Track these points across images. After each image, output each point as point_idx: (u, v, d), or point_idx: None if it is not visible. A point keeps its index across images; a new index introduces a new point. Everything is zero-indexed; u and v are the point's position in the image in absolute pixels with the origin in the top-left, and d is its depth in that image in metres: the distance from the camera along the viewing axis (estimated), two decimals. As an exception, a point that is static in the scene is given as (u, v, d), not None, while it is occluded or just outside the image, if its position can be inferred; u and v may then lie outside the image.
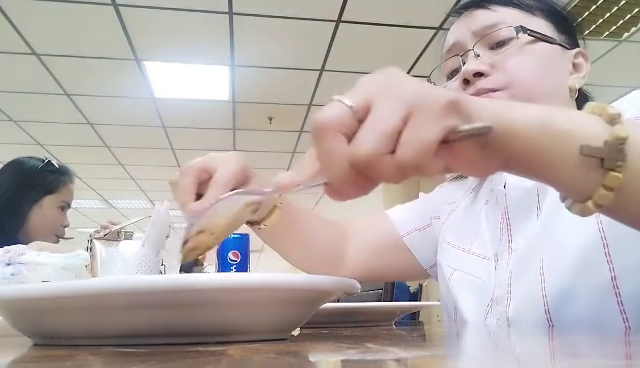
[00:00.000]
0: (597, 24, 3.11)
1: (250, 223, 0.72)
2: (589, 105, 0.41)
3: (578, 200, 0.40)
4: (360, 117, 0.35)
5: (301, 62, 3.63)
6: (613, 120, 0.39)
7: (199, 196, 0.59)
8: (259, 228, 0.73)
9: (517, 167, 0.39)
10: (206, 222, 0.44)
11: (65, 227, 1.76)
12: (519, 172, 0.40)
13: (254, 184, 0.64)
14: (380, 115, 0.34)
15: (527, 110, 0.39)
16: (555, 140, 0.38)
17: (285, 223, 0.76)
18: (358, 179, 0.35)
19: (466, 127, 0.35)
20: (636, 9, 3.01)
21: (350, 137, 0.35)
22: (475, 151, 0.36)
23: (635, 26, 3.17)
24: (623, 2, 2.94)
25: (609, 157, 0.37)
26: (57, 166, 1.76)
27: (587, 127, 0.39)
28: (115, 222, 1.27)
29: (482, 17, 0.74)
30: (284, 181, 0.39)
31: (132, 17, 3.05)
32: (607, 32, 3.22)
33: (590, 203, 0.39)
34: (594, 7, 2.96)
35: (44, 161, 1.74)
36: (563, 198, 0.42)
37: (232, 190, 0.58)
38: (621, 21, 3.12)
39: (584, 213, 0.40)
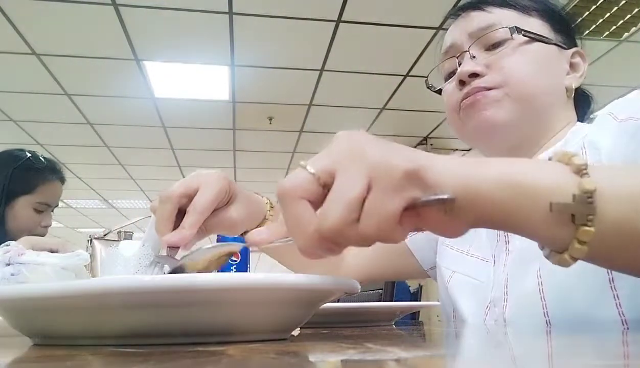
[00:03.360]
0: (597, 24, 3.11)
1: (242, 233, 0.72)
2: (555, 154, 0.40)
3: (555, 250, 0.39)
4: (324, 183, 0.36)
5: (301, 62, 3.64)
6: (580, 171, 0.37)
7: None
8: None
9: (489, 224, 0.39)
10: (188, 261, 0.49)
11: (45, 226, 1.59)
12: (491, 228, 0.40)
13: (240, 201, 0.65)
14: (343, 185, 0.35)
15: (494, 168, 0.38)
16: (524, 197, 0.37)
17: None
18: (326, 244, 0.37)
19: (425, 199, 0.35)
20: (636, 9, 3.01)
21: (315, 203, 0.37)
22: (440, 216, 0.36)
23: (635, 26, 3.17)
24: (623, 2, 2.94)
25: (579, 212, 0.36)
26: (42, 162, 1.59)
27: (555, 181, 0.38)
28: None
29: (477, 18, 0.74)
30: (255, 238, 0.42)
31: (132, 17, 3.05)
32: (607, 32, 3.22)
33: (566, 256, 0.38)
34: (594, 7, 2.96)
35: (27, 156, 1.57)
36: (541, 247, 0.41)
37: (215, 210, 0.61)
38: (621, 21, 3.12)
39: (562, 264, 0.39)
